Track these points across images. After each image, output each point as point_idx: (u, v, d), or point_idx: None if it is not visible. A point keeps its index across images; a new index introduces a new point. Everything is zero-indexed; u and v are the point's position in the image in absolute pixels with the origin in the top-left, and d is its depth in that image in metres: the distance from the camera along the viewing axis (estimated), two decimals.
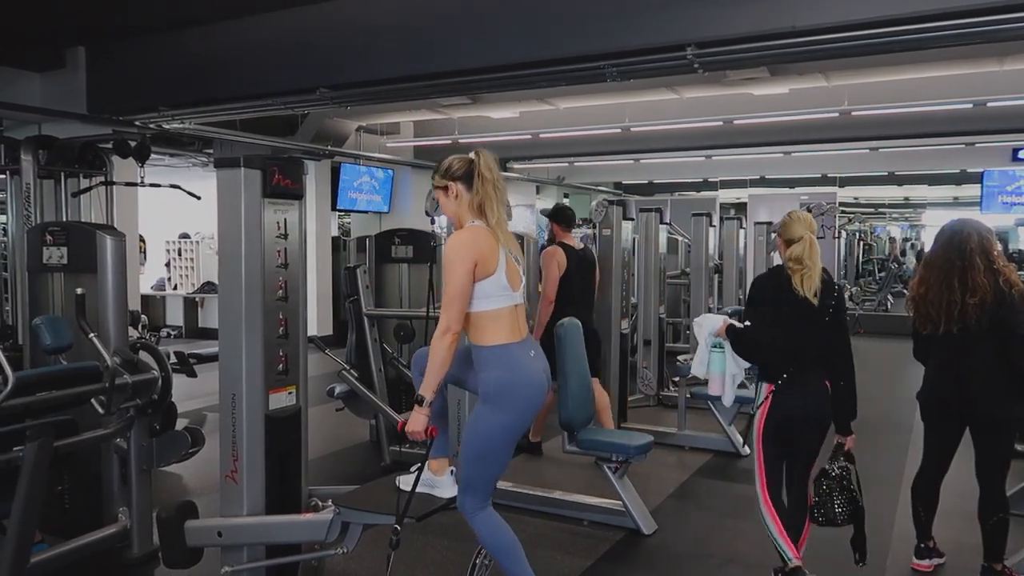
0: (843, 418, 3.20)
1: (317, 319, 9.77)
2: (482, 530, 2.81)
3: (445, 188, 2.82)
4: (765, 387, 3.20)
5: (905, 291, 15.61)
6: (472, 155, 2.81)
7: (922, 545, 3.61)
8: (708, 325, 3.50)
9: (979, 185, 12.30)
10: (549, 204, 16.23)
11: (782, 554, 3.14)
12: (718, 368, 3.49)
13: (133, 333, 4.40)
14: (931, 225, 16.12)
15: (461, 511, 2.83)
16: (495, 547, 2.81)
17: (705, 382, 3.56)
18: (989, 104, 7.78)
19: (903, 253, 17.63)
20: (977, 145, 11.19)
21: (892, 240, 17.88)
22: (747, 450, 5.56)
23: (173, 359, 3.89)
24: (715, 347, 3.50)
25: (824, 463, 3.22)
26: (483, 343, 2.74)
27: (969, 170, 12.97)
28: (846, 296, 8.97)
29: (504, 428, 2.73)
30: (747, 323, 3.34)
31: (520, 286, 2.81)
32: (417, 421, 2.68)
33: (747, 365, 3.50)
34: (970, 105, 7.83)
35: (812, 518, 3.21)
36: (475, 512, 2.80)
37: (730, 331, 3.39)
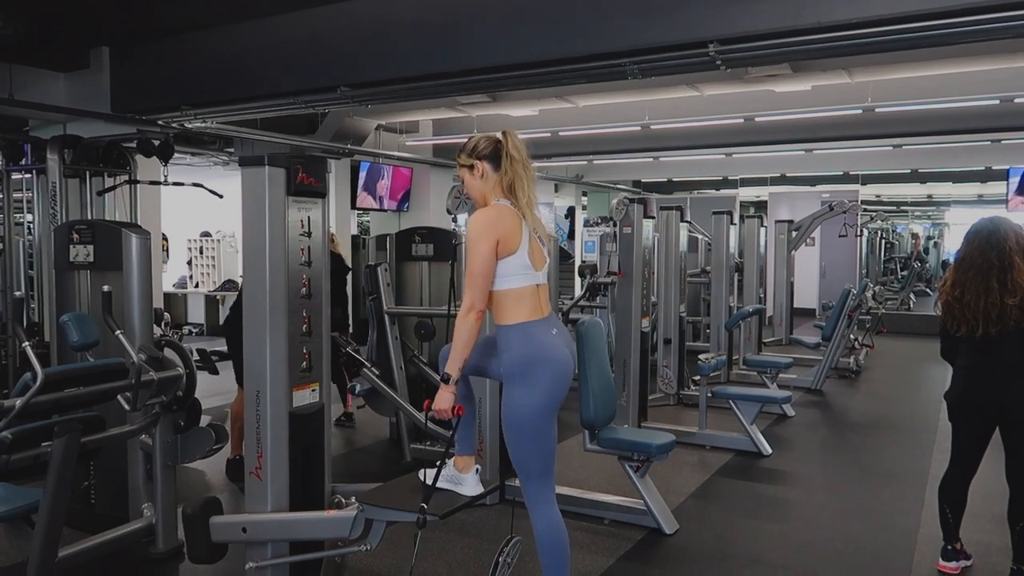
0: None
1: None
2: (539, 525, 2.76)
3: (471, 167, 2.80)
4: None
5: (928, 291, 15.41)
6: (499, 135, 2.80)
7: (949, 547, 3.56)
8: None
9: (1005, 182, 12.13)
10: (568, 202, 16.25)
11: None
12: None
13: (157, 330, 4.43)
14: (955, 223, 15.90)
15: (524, 499, 2.78)
16: (547, 546, 2.75)
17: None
18: (1016, 100, 7.65)
19: (926, 251, 17.42)
20: (1003, 142, 11.02)
21: (915, 236, 17.63)
22: (770, 450, 5.52)
23: (196, 356, 3.91)
24: None
25: None
26: (505, 322, 2.73)
27: (995, 167, 12.79)
28: (869, 295, 8.86)
29: (535, 407, 2.67)
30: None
31: (543, 266, 2.79)
32: (444, 399, 2.65)
33: None
34: (996, 101, 7.70)
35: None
36: (537, 504, 2.76)
37: None
